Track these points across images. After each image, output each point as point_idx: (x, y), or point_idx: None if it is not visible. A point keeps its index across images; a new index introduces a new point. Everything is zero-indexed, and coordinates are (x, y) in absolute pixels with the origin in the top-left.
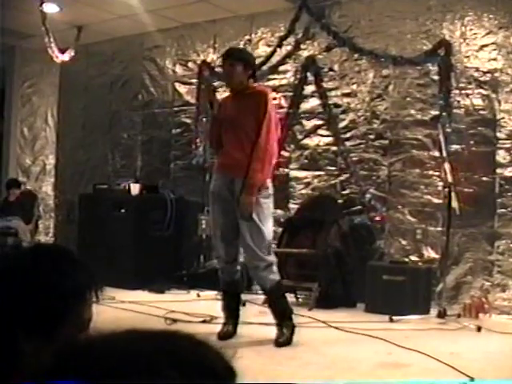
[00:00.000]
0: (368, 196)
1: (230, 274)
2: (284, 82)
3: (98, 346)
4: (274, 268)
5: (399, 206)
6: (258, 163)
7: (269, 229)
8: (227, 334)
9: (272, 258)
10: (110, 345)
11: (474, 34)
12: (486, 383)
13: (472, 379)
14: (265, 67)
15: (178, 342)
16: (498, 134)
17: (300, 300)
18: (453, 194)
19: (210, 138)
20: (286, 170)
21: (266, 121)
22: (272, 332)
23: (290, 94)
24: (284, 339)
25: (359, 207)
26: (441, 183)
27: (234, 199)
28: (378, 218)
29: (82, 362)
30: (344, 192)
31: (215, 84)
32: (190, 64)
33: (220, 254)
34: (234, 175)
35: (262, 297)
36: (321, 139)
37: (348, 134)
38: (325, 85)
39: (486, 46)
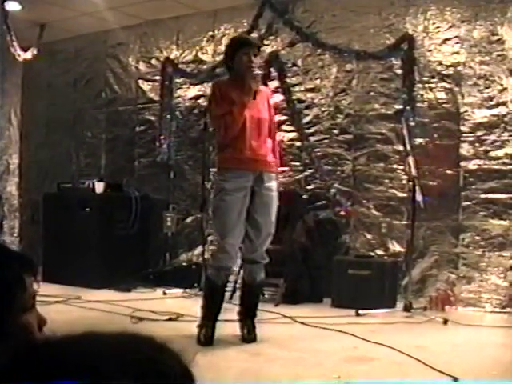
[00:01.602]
0: (333, 191)
1: (225, 275)
2: None
3: (54, 350)
4: None
5: (364, 201)
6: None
7: None
8: (208, 338)
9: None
10: (66, 348)
11: (437, 27)
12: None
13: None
14: None
15: (136, 346)
16: (462, 128)
17: (266, 296)
18: (417, 188)
19: (231, 130)
20: None
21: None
22: (236, 328)
23: None
24: (253, 336)
25: (324, 202)
26: (405, 177)
27: (258, 193)
28: (343, 213)
29: (36, 365)
30: (309, 187)
31: (178, 81)
32: (153, 61)
33: (229, 251)
34: (262, 169)
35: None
36: (285, 135)
37: (312, 129)
38: (288, 80)
39: (448, 39)
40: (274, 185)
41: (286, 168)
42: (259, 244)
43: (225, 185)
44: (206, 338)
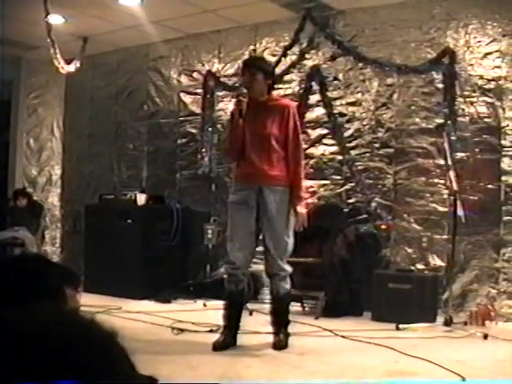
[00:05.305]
0: (373, 205)
1: (237, 282)
2: (289, 91)
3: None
4: (288, 278)
5: (405, 215)
6: (301, 175)
7: (292, 239)
8: (223, 344)
9: (290, 269)
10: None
11: (478, 41)
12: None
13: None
14: None
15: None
16: (503, 142)
17: (306, 309)
18: (458, 202)
19: (231, 147)
20: None
21: (298, 133)
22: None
23: (295, 103)
24: (283, 343)
25: (365, 216)
26: (446, 191)
27: (262, 207)
28: (383, 227)
29: None
30: (349, 201)
31: (220, 94)
32: (195, 74)
33: (234, 261)
34: (261, 184)
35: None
36: (326, 148)
37: (353, 143)
38: (329, 94)
39: (490, 53)
40: (276, 199)
41: (324, 182)
42: (272, 257)
43: (231, 197)
44: (221, 344)
